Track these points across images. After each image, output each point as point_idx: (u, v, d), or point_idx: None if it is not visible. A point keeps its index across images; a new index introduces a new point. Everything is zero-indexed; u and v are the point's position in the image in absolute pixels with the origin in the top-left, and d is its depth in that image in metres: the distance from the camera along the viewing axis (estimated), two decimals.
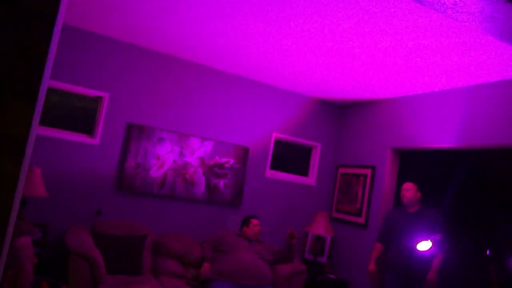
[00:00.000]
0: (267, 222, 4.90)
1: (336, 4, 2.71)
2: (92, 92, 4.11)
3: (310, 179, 5.28)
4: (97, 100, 4.21)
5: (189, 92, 4.54)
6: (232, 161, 4.69)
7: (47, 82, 0.96)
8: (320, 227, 4.61)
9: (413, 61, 3.48)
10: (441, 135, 3.97)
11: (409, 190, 3.91)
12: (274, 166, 5.10)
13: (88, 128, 4.18)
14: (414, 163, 4.79)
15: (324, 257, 4.82)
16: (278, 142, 5.15)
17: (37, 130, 3.93)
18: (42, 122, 3.98)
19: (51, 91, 4.02)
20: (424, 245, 3.67)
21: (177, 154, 4.41)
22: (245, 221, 4.21)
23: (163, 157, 4.33)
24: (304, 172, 5.33)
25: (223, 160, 4.64)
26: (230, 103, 4.77)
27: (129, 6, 3.32)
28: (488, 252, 4.86)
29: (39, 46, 0.87)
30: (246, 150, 4.78)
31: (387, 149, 4.59)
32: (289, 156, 5.32)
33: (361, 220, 4.69)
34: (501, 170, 4.62)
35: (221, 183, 4.63)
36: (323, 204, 5.28)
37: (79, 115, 4.25)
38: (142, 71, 4.32)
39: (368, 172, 4.74)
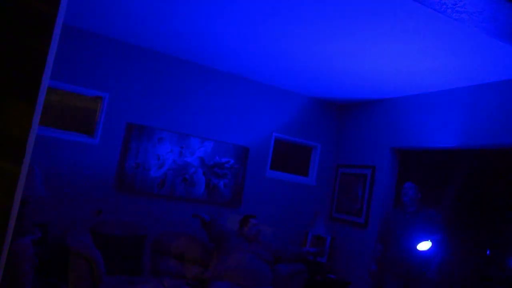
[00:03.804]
0: (267, 222, 4.90)
1: (336, 5, 2.71)
2: (92, 92, 4.11)
3: (310, 179, 5.28)
4: (97, 100, 4.20)
5: (189, 92, 4.54)
6: (232, 161, 4.69)
7: (47, 82, 0.96)
8: (320, 227, 4.61)
9: (413, 61, 3.48)
10: (441, 135, 3.97)
11: (411, 189, 3.92)
12: (274, 166, 5.10)
13: (88, 128, 4.18)
14: (414, 163, 4.79)
15: (324, 257, 4.82)
16: (278, 142, 5.15)
17: (37, 130, 3.92)
18: (42, 122, 3.98)
19: (51, 91, 4.02)
20: (424, 245, 3.67)
21: (177, 154, 4.40)
22: (244, 221, 4.20)
23: (163, 157, 4.33)
24: (304, 172, 5.33)
25: (223, 160, 4.64)
26: (230, 103, 4.77)
27: (129, 6, 3.31)
28: (488, 252, 4.86)
29: (39, 46, 0.87)
30: (246, 150, 4.78)
31: (387, 149, 4.59)
32: (289, 156, 5.32)
33: (361, 220, 4.69)
34: (501, 170, 4.62)
35: (221, 183, 4.63)
36: (323, 204, 5.28)
37: (79, 115, 4.25)
38: (142, 71, 4.31)
39: (368, 172, 4.74)
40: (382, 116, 4.78)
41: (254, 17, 3.14)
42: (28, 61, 0.86)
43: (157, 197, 4.34)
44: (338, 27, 3.06)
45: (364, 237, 4.60)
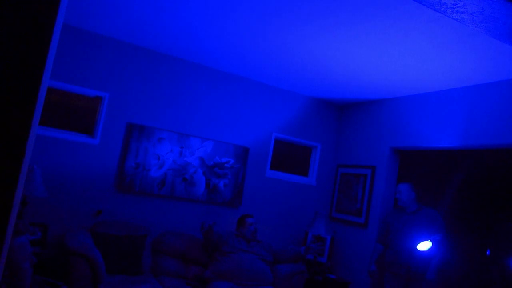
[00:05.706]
0: (267, 222, 4.90)
1: (336, 5, 2.71)
2: (92, 92, 4.11)
3: (310, 179, 5.28)
4: (97, 100, 4.20)
5: (189, 92, 4.54)
6: (232, 161, 4.69)
7: (47, 82, 0.96)
8: (320, 227, 4.61)
9: (413, 61, 3.48)
10: (441, 135, 3.97)
11: (402, 192, 3.92)
12: (274, 166, 5.10)
13: (88, 128, 4.18)
14: (414, 163, 4.79)
15: (324, 257, 4.82)
16: (278, 142, 5.15)
17: (37, 130, 3.92)
18: (42, 122, 3.98)
19: (51, 91, 4.02)
20: (424, 245, 3.67)
21: (177, 154, 4.40)
22: (240, 221, 4.21)
23: (163, 157, 4.33)
24: (304, 172, 5.33)
25: (223, 160, 4.64)
26: (230, 103, 4.76)
27: (129, 6, 3.31)
28: (488, 252, 4.86)
29: (39, 46, 0.87)
30: (246, 150, 4.78)
31: (387, 149, 4.59)
32: (289, 156, 5.31)
33: (361, 220, 4.69)
34: (501, 170, 4.61)
35: (221, 183, 4.63)
36: (323, 204, 5.27)
37: (79, 115, 4.25)
38: (142, 71, 4.31)
39: (368, 172, 4.74)
40: (382, 116, 4.78)
41: (254, 17, 3.14)
42: (28, 61, 0.86)
43: (157, 197, 4.34)
44: (338, 27, 3.06)
45: (364, 237, 4.60)
